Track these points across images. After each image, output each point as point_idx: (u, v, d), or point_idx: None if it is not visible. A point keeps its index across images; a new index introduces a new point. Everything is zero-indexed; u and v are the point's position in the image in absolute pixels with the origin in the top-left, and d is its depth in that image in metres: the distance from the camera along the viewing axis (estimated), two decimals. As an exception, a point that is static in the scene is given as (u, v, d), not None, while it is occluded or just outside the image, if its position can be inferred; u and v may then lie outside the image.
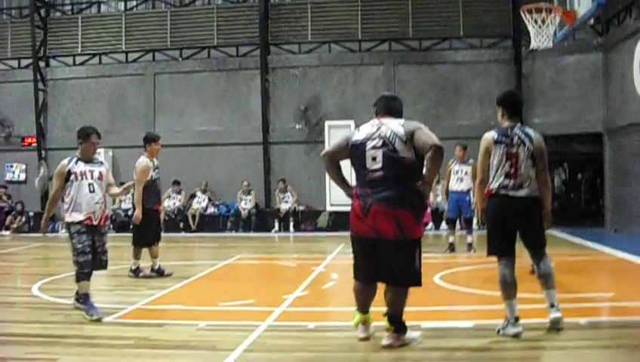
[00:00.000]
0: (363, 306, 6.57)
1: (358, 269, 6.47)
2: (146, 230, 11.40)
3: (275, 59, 23.31)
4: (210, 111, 23.48)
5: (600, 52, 20.78)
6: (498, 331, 6.66)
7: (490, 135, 6.88)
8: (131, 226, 11.85)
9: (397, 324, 6.34)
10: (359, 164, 6.33)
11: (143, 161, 11.45)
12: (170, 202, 22.33)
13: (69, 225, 8.18)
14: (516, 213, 6.70)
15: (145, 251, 11.57)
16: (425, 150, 6.12)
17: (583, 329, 6.92)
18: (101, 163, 8.58)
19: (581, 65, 21.19)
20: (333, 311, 8.78)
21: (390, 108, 6.61)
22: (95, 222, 8.18)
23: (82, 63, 24.79)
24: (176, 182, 22.43)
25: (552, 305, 6.74)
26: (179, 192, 22.53)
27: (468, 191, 14.17)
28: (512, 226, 6.73)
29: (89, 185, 8.19)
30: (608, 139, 20.52)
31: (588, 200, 27.63)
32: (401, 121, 6.40)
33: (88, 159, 8.34)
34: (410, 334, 6.42)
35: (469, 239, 14.27)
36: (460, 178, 14.20)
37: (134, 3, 24.82)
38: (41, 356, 6.25)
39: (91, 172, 8.25)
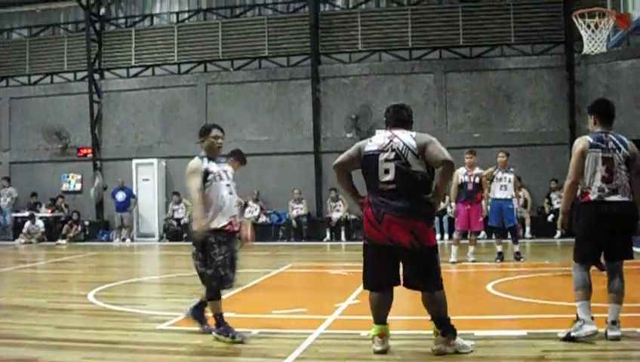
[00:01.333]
0: (379, 317, 6.48)
1: (370, 278, 6.50)
2: None
3: (325, 69, 23.38)
4: (262, 121, 23.63)
5: (656, 57, 20.38)
6: (568, 334, 6.56)
7: (586, 139, 6.84)
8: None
9: (444, 327, 6.32)
10: (372, 175, 6.39)
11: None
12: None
13: (207, 234, 7.06)
14: (611, 218, 6.63)
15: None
16: (437, 165, 6.22)
17: (642, 338, 6.78)
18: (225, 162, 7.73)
19: (636, 70, 20.74)
20: (385, 320, 8.74)
21: (399, 118, 6.59)
22: (235, 228, 7.32)
23: (136, 75, 25.20)
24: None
25: (613, 322, 6.59)
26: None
27: (511, 200, 13.95)
28: (605, 232, 6.65)
29: (227, 185, 7.30)
30: (665, 146, 20.06)
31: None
32: (413, 133, 6.40)
33: (214, 158, 7.40)
34: (460, 341, 6.37)
35: (516, 248, 14.03)
36: (503, 185, 13.97)
37: (186, 15, 25.11)
38: (97, 361, 6.35)
39: (225, 172, 7.40)
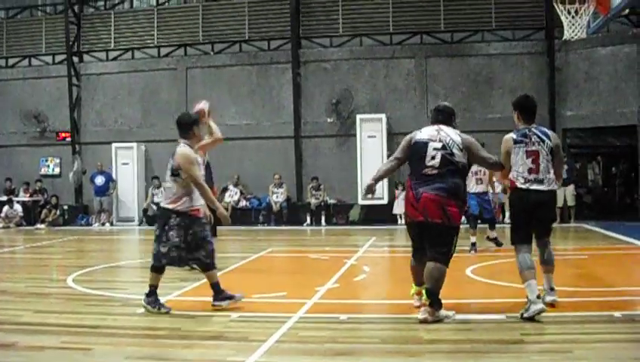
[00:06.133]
0: (418, 280, 7.52)
1: (415, 249, 7.55)
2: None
3: (306, 53, 23.32)
4: (242, 105, 23.55)
5: (635, 43, 20.45)
6: (522, 315, 6.97)
7: (510, 136, 7.56)
8: None
9: (433, 298, 7.05)
10: (419, 159, 7.33)
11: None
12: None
13: (170, 214, 7.72)
14: (538, 204, 7.30)
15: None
16: (484, 165, 8.06)
17: (618, 322, 6.86)
18: None
19: (615, 56, 20.90)
20: (365, 304, 8.77)
21: (441, 118, 7.61)
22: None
23: (115, 58, 25.02)
24: (208, 176, 22.52)
25: (551, 289, 7.49)
26: (210, 187, 22.56)
27: (487, 192, 13.63)
28: (533, 217, 7.33)
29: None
30: (643, 132, 20.22)
31: (622, 194, 27.29)
32: (458, 131, 7.48)
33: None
34: (444, 312, 7.08)
35: (494, 234, 13.70)
36: (479, 179, 13.49)
37: (166, -2, 24.98)
38: (76, 345, 6.34)
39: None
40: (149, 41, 24.67)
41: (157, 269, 7.79)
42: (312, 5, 23.61)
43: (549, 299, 7.32)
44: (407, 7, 22.91)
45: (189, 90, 23.83)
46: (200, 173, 7.82)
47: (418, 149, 7.36)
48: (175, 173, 7.63)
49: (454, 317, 7.10)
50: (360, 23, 23.22)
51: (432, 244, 7.22)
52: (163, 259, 7.72)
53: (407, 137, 7.61)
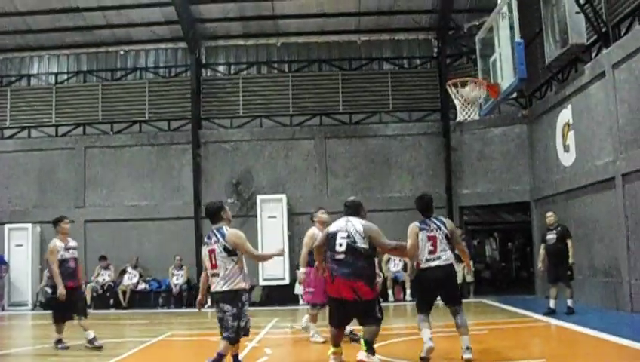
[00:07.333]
0: (335, 342, 8.88)
1: (332, 319, 8.87)
2: (59, 306, 12.71)
3: (206, 134, 23.37)
4: (141, 185, 23.28)
5: (524, 124, 21.40)
6: (420, 358, 8.83)
7: (416, 224, 9.42)
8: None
9: (369, 347, 8.71)
10: (331, 247, 8.77)
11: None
12: (100, 278, 21.88)
13: (242, 292, 8.58)
14: (439, 278, 9.09)
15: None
16: (385, 249, 9.24)
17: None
18: None
19: (507, 137, 21.78)
20: (267, 387, 8.65)
21: (350, 211, 9.11)
22: None
23: (11, 137, 24.40)
24: (103, 258, 22.00)
25: (467, 348, 8.82)
26: (106, 268, 22.04)
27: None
28: (434, 289, 9.20)
29: None
30: (535, 209, 20.93)
31: (519, 268, 28.05)
32: (363, 221, 8.89)
33: None
34: (377, 358, 8.70)
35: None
36: None
37: (65, 76, 24.67)
38: None
39: None
40: (46, 120, 24.25)
41: (237, 341, 8.64)
42: (212, 86, 23.82)
43: (466, 356, 8.68)
44: (306, 89, 23.44)
45: (87, 170, 23.50)
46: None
47: (331, 239, 8.80)
48: (233, 253, 8.44)
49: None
50: (260, 104, 23.55)
51: (358, 314, 8.71)
52: (242, 332, 8.58)
53: (325, 230, 9.22)
